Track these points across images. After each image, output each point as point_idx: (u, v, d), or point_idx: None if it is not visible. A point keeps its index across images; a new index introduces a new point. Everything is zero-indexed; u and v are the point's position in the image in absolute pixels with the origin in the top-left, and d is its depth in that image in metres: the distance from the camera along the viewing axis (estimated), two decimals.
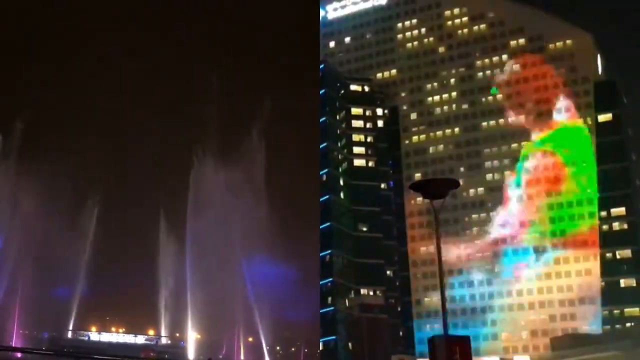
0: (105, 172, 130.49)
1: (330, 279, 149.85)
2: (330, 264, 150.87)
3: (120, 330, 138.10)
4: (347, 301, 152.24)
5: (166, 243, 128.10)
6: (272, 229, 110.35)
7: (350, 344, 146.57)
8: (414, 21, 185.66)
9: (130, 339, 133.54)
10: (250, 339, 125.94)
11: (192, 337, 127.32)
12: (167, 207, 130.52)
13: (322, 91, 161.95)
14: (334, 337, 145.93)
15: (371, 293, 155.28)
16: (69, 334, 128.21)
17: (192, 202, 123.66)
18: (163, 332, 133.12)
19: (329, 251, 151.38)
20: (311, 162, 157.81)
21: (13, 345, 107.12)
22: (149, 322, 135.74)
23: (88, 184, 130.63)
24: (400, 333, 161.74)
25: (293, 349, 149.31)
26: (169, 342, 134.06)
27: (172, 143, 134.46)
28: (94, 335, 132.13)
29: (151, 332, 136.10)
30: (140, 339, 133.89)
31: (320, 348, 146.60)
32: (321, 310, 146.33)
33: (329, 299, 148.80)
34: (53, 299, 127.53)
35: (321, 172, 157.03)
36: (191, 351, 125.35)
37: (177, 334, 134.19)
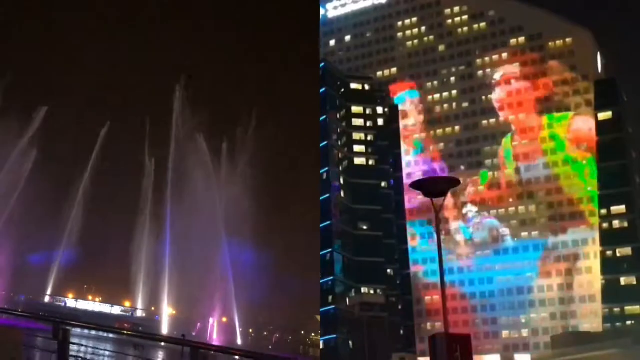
0: (92, 148, 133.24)
1: (331, 278, 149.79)
2: (331, 263, 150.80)
3: (97, 300, 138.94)
4: (347, 300, 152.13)
5: (149, 217, 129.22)
6: (260, 215, 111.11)
7: (351, 343, 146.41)
8: (414, 19, 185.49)
9: (106, 308, 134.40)
10: (225, 320, 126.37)
11: (166, 313, 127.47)
12: (154, 180, 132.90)
13: (322, 89, 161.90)
14: (334, 336, 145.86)
15: (372, 291, 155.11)
16: (47, 299, 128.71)
17: (175, 178, 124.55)
18: (139, 305, 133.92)
19: (329, 250, 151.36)
20: (311, 160, 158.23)
21: None
22: (126, 294, 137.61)
23: (76, 157, 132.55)
24: (401, 331, 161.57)
25: (265, 333, 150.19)
26: (144, 315, 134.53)
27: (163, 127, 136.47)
28: (71, 301, 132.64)
29: (127, 304, 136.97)
30: (116, 310, 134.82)
31: (321, 346, 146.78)
32: (322, 309, 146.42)
33: (330, 297, 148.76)
34: (33, 264, 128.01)
35: (321, 171, 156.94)
36: (165, 326, 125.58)
37: (153, 308, 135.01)
